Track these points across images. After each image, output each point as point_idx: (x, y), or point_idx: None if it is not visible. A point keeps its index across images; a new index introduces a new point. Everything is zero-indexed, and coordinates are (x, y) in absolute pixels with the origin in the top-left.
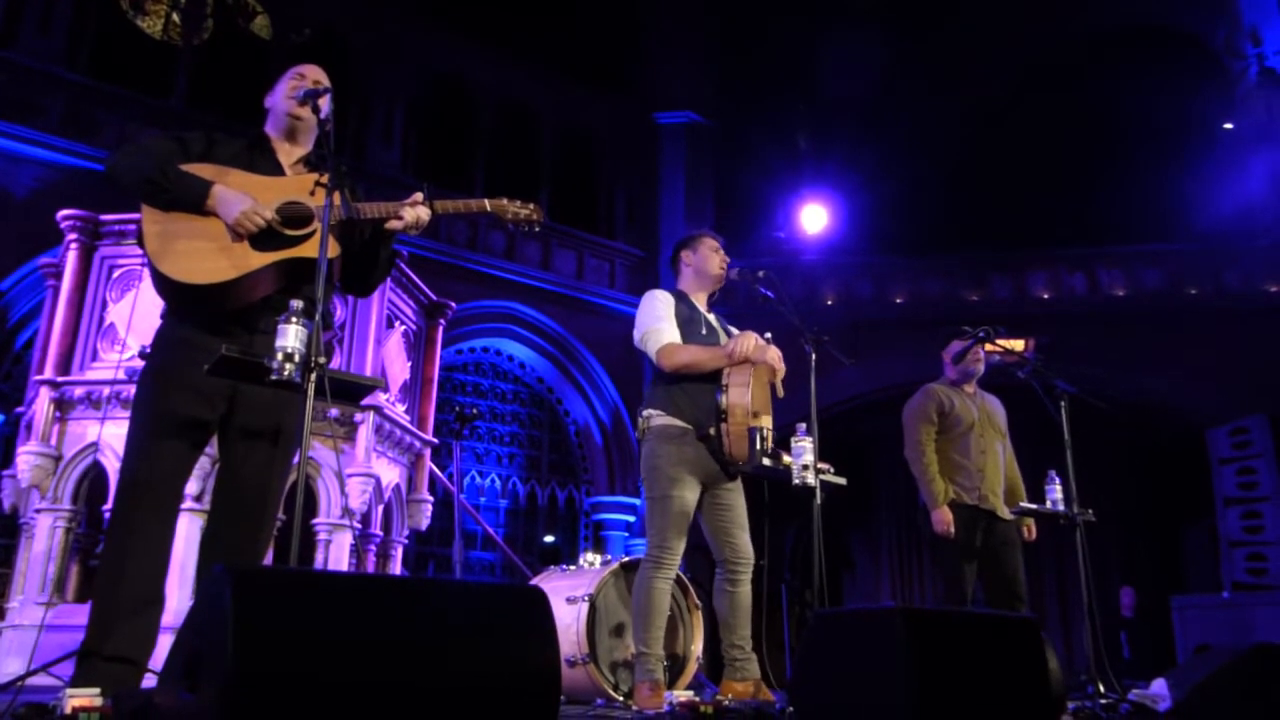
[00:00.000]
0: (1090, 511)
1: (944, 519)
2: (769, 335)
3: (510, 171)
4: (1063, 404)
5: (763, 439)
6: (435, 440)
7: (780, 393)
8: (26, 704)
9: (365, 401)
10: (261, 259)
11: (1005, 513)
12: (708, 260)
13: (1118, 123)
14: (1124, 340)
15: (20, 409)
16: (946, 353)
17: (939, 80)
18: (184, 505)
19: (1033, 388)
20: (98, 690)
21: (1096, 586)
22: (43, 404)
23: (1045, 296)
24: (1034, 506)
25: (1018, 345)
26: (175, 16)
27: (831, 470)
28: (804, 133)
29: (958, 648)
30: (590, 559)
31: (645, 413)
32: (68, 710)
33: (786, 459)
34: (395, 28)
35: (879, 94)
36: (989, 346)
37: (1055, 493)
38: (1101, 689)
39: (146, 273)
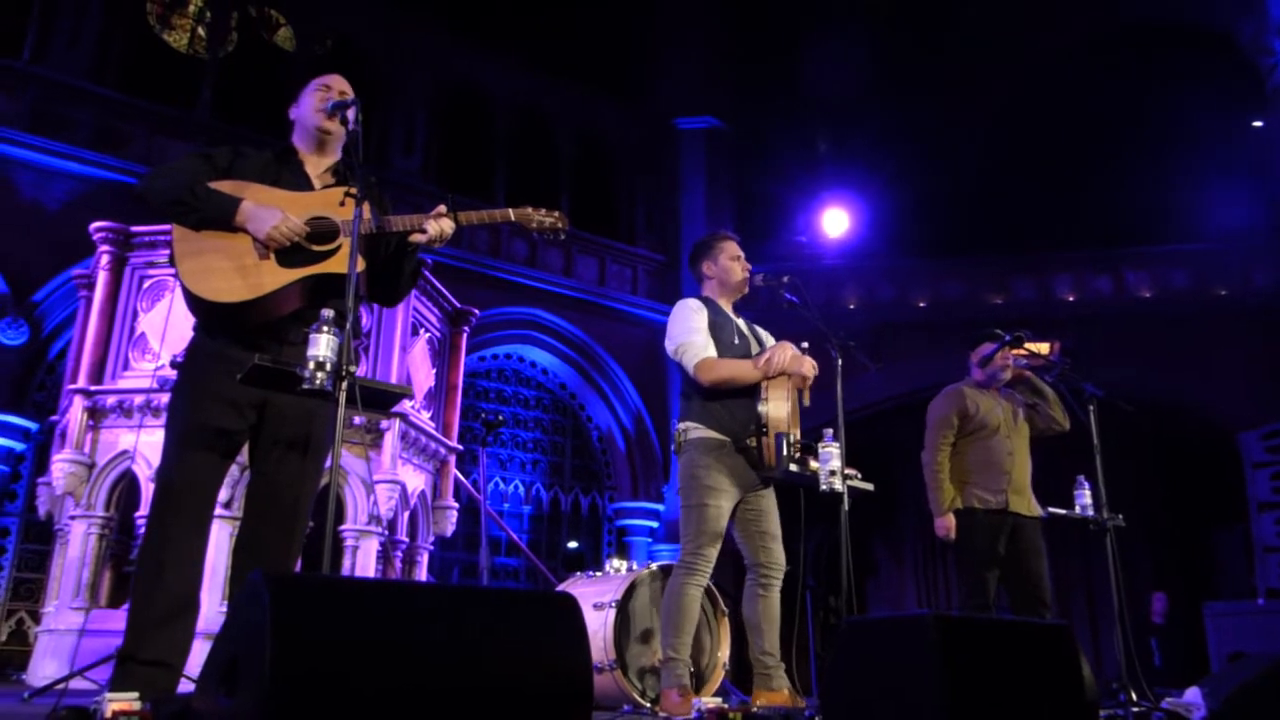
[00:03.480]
0: (1120, 516)
1: (946, 525)
2: (805, 345)
3: (530, 178)
4: (1091, 408)
5: (789, 445)
6: (460, 447)
7: (806, 401)
8: (67, 707)
9: (391, 409)
10: (288, 276)
11: (1034, 509)
12: (729, 271)
13: (1144, 121)
14: (1151, 342)
15: (55, 417)
16: (974, 354)
17: (960, 80)
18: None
19: (1061, 391)
20: (136, 694)
21: (1125, 592)
22: (76, 412)
23: (1070, 298)
24: (1063, 511)
25: (1043, 348)
26: (200, 30)
27: (859, 476)
28: (823, 136)
29: (990, 655)
30: (616, 565)
31: (682, 426)
32: (107, 714)
33: (813, 464)
34: (414, 37)
35: (899, 95)
36: (1016, 351)
37: (1084, 498)
38: (1134, 697)
39: (178, 283)
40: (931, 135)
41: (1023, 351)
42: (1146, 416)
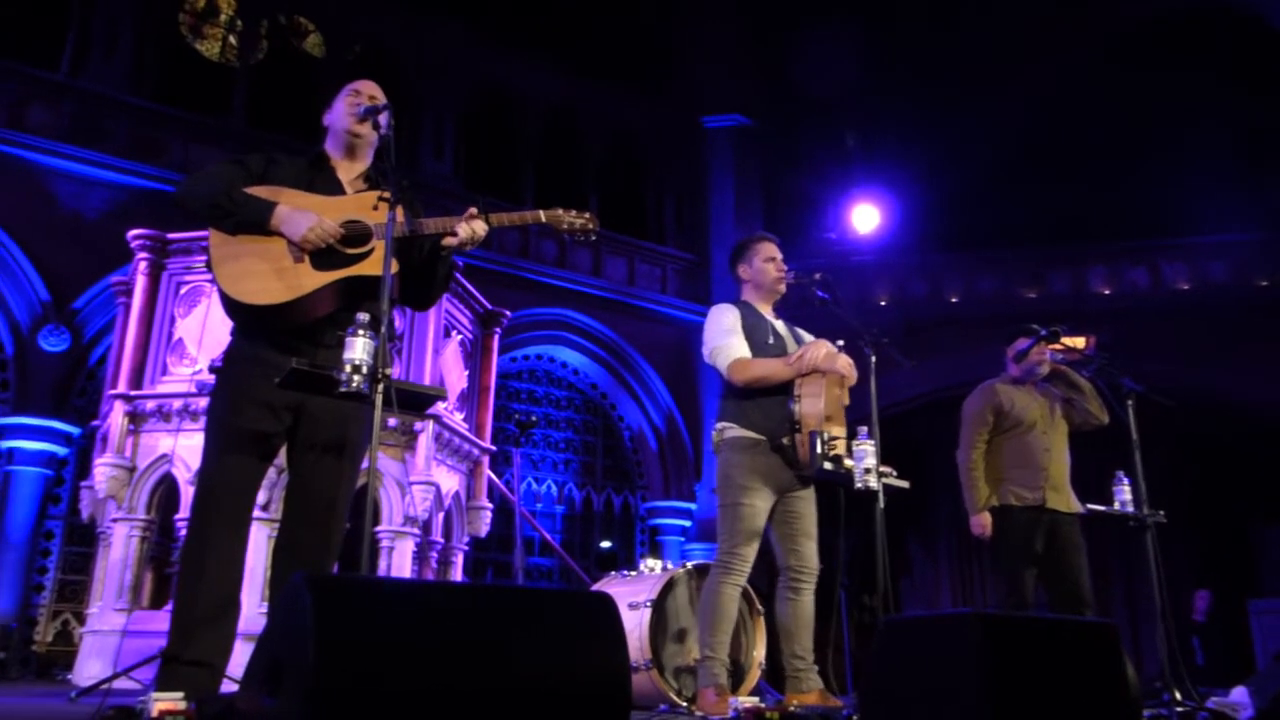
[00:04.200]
0: (1161, 513)
1: (982, 523)
2: (841, 343)
3: (559, 179)
4: (1129, 403)
5: (824, 443)
6: (493, 448)
7: (845, 400)
8: (114, 707)
9: (426, 410)
10: (320, 279)
11: (1074, 506)
12: (763, 272)
13: (1178, 109)
14: (1190, 335)
15: (96, 422)
16: (1010, 350)
17: (992, 71)
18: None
19: (1099, 386)
20: (181, 694)
21: (1167, 590)
22: (117, 417)
23: (1105, 291)
24: (1102, 508)
25: (1078, 343)
26: (232, 38)
27: (894, 474)
28: (853, 131)
29: (1033, 654)
30: (651, 564)
31: (719, 426)
32: (153, 714)
33: (848, 463)
34: (442, 40)
35: (930, 88)
36: (1052, 345)
37: (1124, 494)
38: (1177, 696)
39: (214, 289)
40: (963, 127)
41: (1059, 346)
42: (1186, 411)
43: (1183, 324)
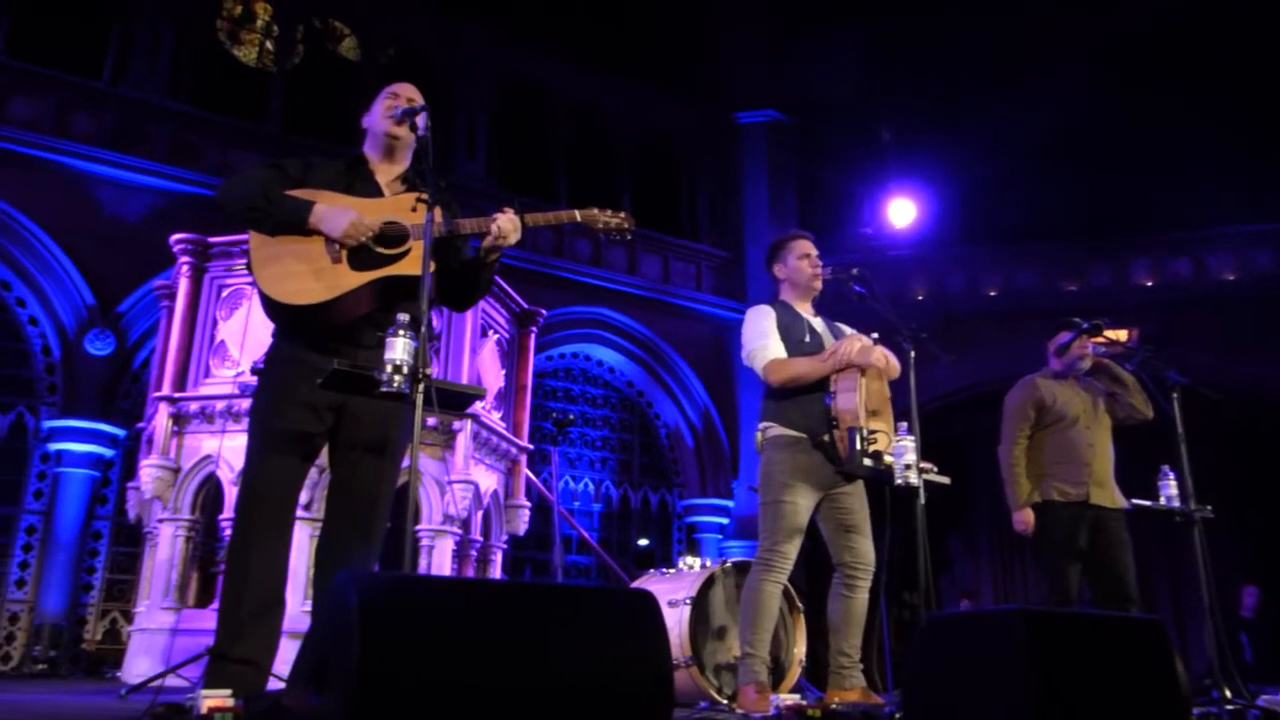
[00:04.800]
0: (1209, 508)
1: (1024, 520)
2: (875, 336)
3: (592, 177)
4: (1175, 396)
5: (863, 439)
6: (531, 446)
7: (887, 392)
8: (165, 704)
9: (465, 410)
10: (358, 279)
11: (1118, 501)
12: (798, 270)
13: (1222, 97)
14: (1235, 326)
15: (141, 424)
16: (1052, 344)
17: (1029, 60)
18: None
19: (1143, 379)
20: (229, 691)
21: (1214, 586)
22: (162, 419)
23: (1148, 283)
24: (1147, 503)
25: (1121, 335)
26: (268, 44)
27: (935, 469)
28: (888, 125)
29: (1080, 651)
30: (689, 562)
31: (761, 426)
32: (203, 710)
33: (888, 458)
34: (474, 41)
35: (966, 79)
36: (1094, 339)
37: (1169, 489)
38: (1227, 694)
39: (255, 291)
40: (1000, 119)
41: (1101, 340)
42: (1233, 404)
43: (1228, 315)
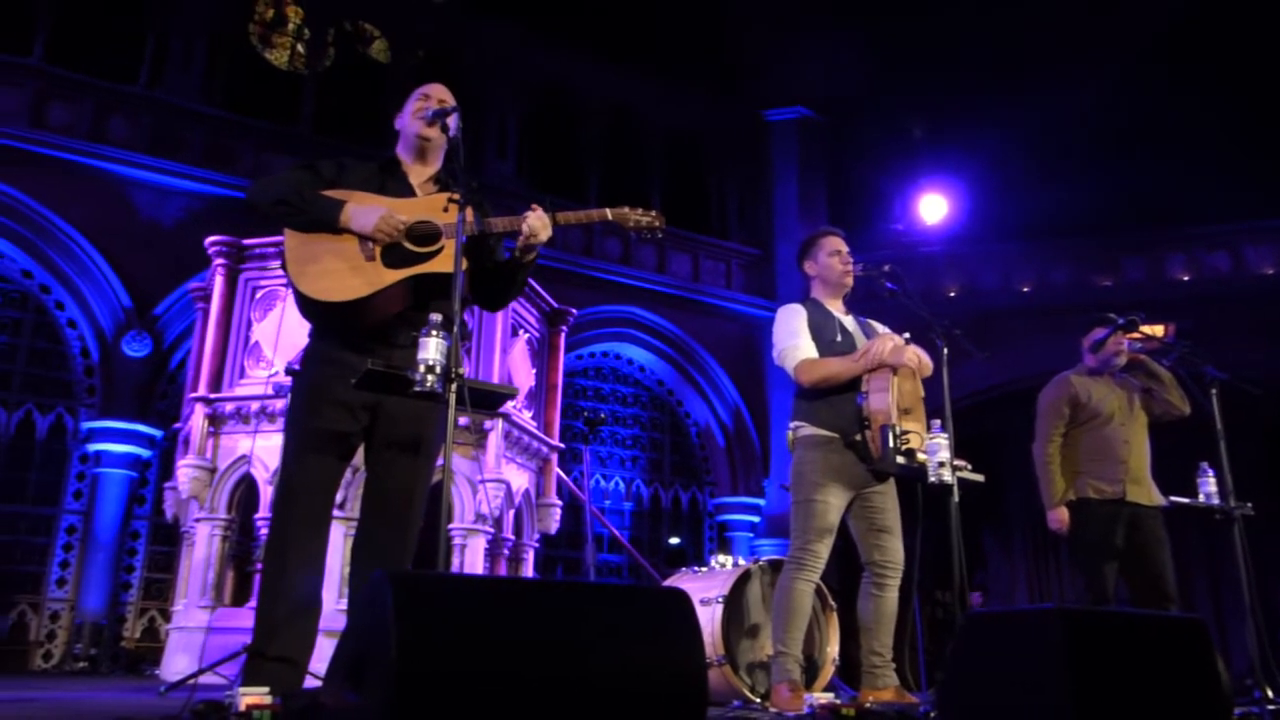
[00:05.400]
0: (1249, 505)
1: (1059, 518)
2: (907, 335)
3: (621, 175)
4: (1213, 391)
5: (896, 437)
6: (562, 445)
7: (921, 392)
8: (204, 701)
9: (497, 409)
10: (393, 276)
11: (1155, 498)
12: (829, 267)
13: (1260, 85)
14: (1275, 320)
15: (178, 425)
16: (1086, 340)
17: (1062, 52)
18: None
19: (1180, 375)
20: (267, 689)
21: (1256, 584)
22: (198, 420)
23: (1185, 278)
24: (1186, 500)
25: (1157, 331)
26: (299, 47)
27: (969, 467)
28: (918, 120)
29: (1119, 651)
30: (721, 560)
31: (793, 425)
32: (241, 708)
33: (921, 456)
34: (503, 41)
35: (996, 73)
36: (1130, 335)
37: (1208, 486)
38: (1269, 694)
39: (288, 293)
40: (1032, 113)
41: (1137, 335)
42: (1273, 399)
43: (1267, 309)
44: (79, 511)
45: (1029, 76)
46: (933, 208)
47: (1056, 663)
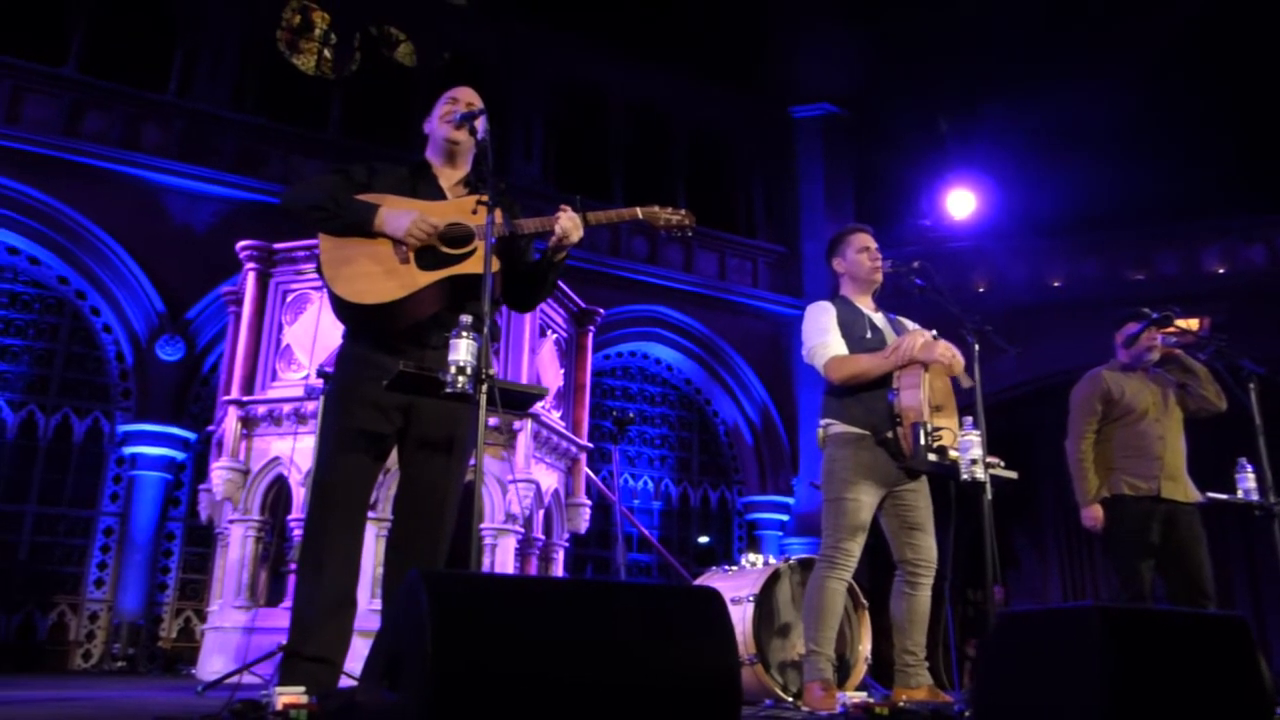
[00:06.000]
0: None
1: (1093, 515)
2: (934, 332)
3: (647, 175)
4: (1251, 386)
5: (928, 435)
6: (590, 445)
7: (965, 383)
8: (241, 701)
9: (527, 409)
10: (426, 278)
11: (1191, 495)
12: (857, 264)
13: None
14: None
15: (211, 427)
16: (1119, 335)
17: (1091, 44)
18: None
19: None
20: (303, 688)
21: None
22: (231, 422)
23: (1219, 270)
24: (1224, 496)
25: (1192, 325)
26: (326, 52)
27: (1001, 464)
28: (946, 115)
29: (1158, 649)
30: (752, 559)
31: (823, 422)
32: (279, 707)
33: (953, 454)
34: (528, 43)
35: (1026, 63)
36: (1164, 329)
37: (1247, 481)
38: None
39: (318, 296)
40: (1061, 104)
41: (1171, 330)
42: None
43: None
44: (115, 513)
45: (1057, 68)
46: (960, 203)
47: (1094, 661)
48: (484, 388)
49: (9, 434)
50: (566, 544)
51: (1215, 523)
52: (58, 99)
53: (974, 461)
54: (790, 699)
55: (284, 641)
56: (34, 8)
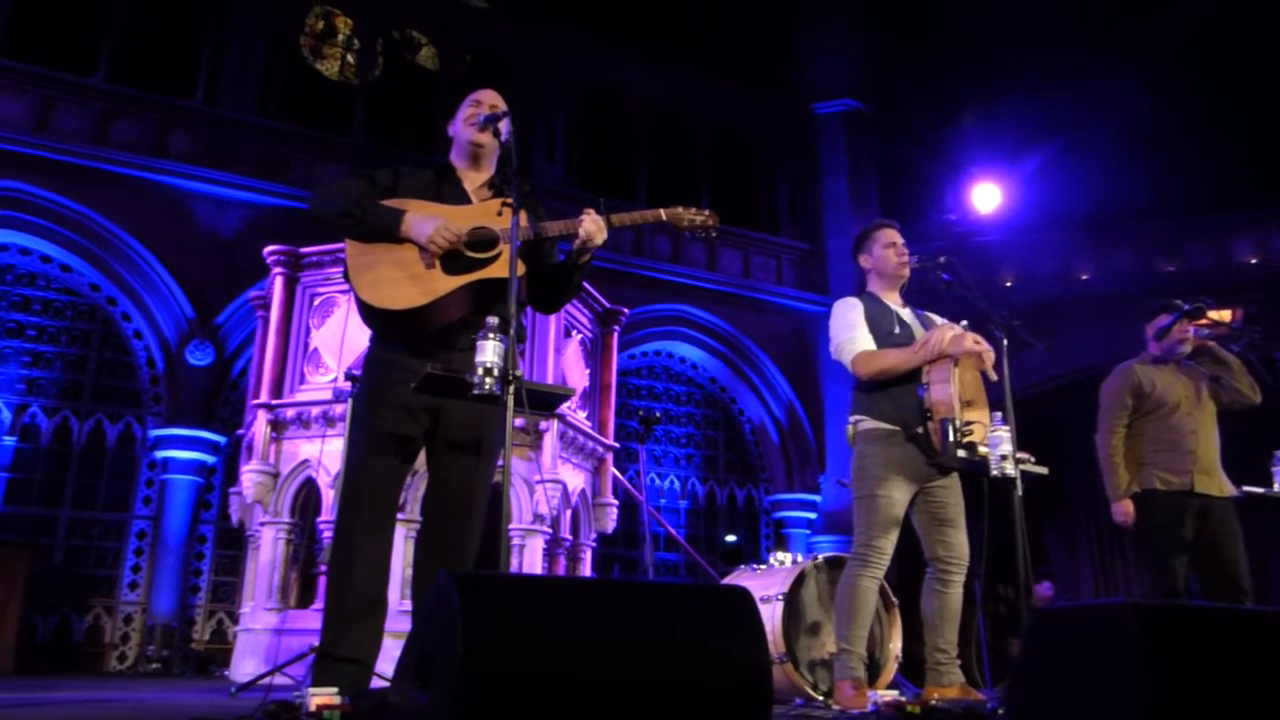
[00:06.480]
0: None
1: (1124, 510)
2: (964, 323)
3: (670, 174)
4: None
5: (957, 430)
6: (617, 445)
7: (993, 377)
8: (275, 702)
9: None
10: (452, 283)
11: (1225, 488)
12: (884, 260)
13: None
14: None
15: (241, 431)
16: (1150, 327)
17: (1118, 34)
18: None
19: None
20: (335, 689)
21: None
22: (260, 426)
23: (1252, 261)
24: (1260, 490)
25: (1224, 316)
26: (349, 57)
27: (1031, 459)
28: (970, 107)
29: (1196, 647)
30: (780, 558)
31: (853, 419)
32: (312, 708)
33: (983, 449)
34: (548, 44)
35: (1052, 51)
36: (1196, 321)
37: None
38: None
39: (345, 299)
40: (1088, 94)
41: (1203, 321)
42: None
43: None
44: (148, 517)
45: (1082, 59)
46: (986, 197)
47: (1128, 659)
48: (511, 389)
49: (44, 439)
50: (594, 544)
51: (1251, 517)
52: (87, 108)
53: (1004, 457)
54: (821, 698)
55: (316, 643)
56: (64, 19)
